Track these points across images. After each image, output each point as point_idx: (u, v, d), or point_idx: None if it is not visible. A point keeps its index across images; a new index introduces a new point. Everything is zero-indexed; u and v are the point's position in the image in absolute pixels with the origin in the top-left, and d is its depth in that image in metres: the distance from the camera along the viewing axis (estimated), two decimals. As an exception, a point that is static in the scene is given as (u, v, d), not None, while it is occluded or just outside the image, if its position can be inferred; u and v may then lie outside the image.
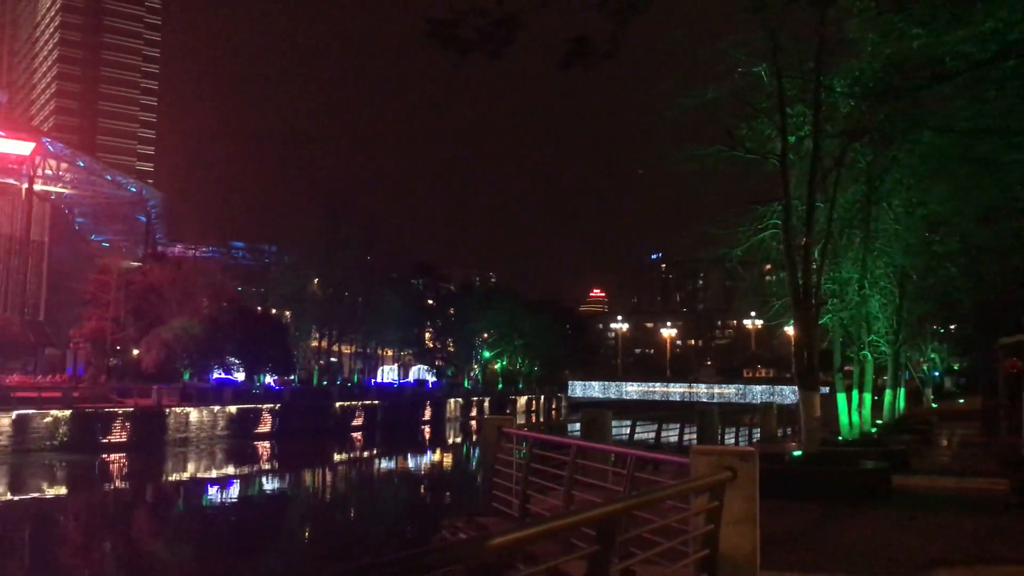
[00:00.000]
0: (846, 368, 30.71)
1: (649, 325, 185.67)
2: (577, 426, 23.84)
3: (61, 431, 48.50)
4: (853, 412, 28.15)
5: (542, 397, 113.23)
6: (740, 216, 23.49)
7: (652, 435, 24.43)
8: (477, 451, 66.98)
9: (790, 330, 25.99)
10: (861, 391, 29.84)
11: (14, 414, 46.43)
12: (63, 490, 41.08)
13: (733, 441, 28.34)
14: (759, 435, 30.56)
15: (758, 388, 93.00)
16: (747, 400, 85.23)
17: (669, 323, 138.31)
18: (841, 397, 27.93)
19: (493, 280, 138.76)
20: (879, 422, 34.00)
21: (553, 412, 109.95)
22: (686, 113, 21.46)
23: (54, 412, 48.59)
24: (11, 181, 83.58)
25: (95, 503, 38.43)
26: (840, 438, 26.14)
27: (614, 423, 19.83)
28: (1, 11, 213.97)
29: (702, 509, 7.74)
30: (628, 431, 23.82)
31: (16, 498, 37.46)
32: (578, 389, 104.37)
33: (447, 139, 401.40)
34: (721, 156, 21.41)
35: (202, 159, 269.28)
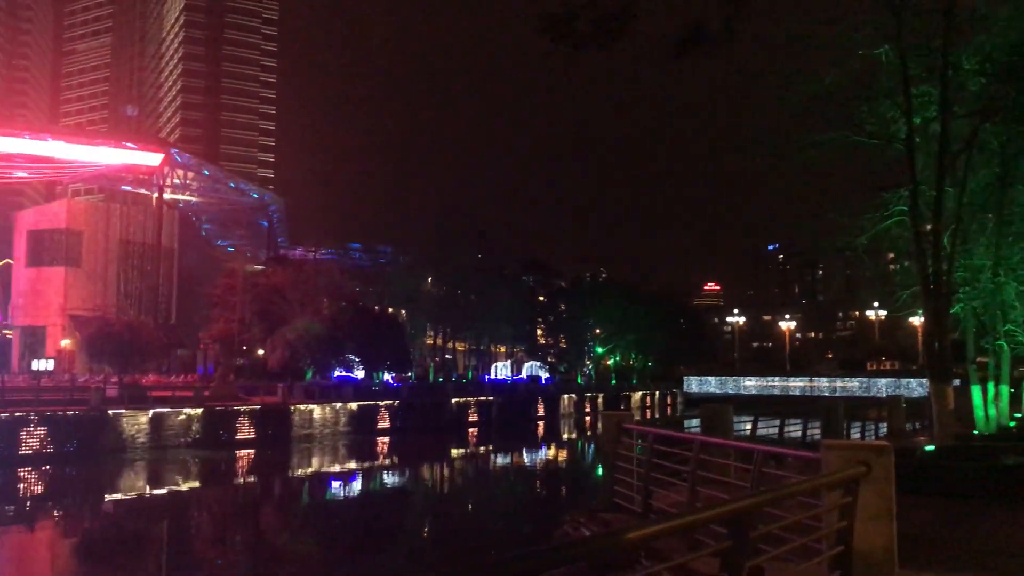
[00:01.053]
0: (979, 360, 29.20)
1: (767, 318, 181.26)
2: (695, 422, 23.47)
3: (194, 428, 50.79)
4: (989, 405, 26.78)
5: (657, 393, 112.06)
6: (863, 204, 22.68)
7: (774, 430, 23.85)
8: (592, 447, 66.81)
9: (917, 321, 25.00)
10: (997, 383, 28.34)
11: (151, 412, 48.90)
12: (197, 484, 42.99)
13: (859, 436, 27.39)
14: (886, 430, 29.42)
15: (883, 381, 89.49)
16: (871, 394, 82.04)
17: (788, 315, 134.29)
18: (976, 390, 26.59)
19: (604, 275, 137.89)
20: (1017, 415, 32.22)
21: (668, 408, 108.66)
22: (802, 100, 20.86)
23: (187, 410, 50.92)
24: (143, 191, 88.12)
25: (228, 497, 40.07)
26: (975, 432, 24.91)
27: (734, 418, 19.47)
28: (130, 31, 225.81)
29: (834, 505, 7.52)
30: (749, 426, 23.33)
31: (154, 492, 39.49)
32: (694, 384, 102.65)
33: (557, 136, 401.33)
34: (842, 143, 20.70)
35: (319, 164, 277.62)
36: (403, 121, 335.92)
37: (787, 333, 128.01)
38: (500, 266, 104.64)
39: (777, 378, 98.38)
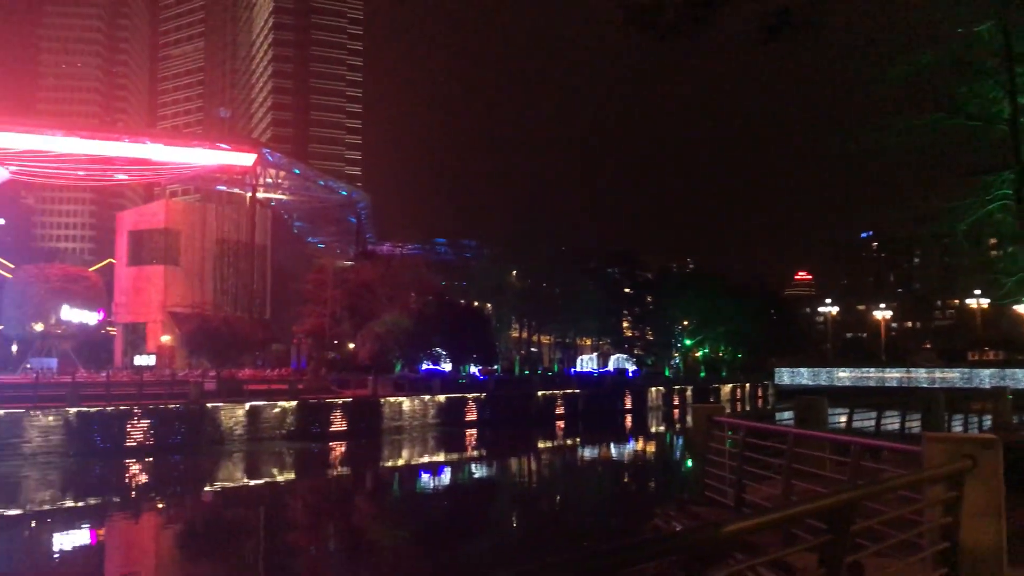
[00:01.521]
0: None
1: (861, 307, 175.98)
2: (787, 414, 23.00)
3: (288, 421, 52.14)
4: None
5: (747, 385, 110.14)
6: (962, 188, 21.80)
7: (871, 423, 23.17)
8: (681, 440, 66.10)
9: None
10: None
11: (247, 405, 50.38)
12: (292, 475, 44.12)
13: (961, 429, 26.38)
14: (991, 423, 28.25)
15: (986, 372, 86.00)
16: (974, 385, 78.98)
17: (883, 305, 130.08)
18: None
19: (691, 266, 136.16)
20: None
21: (759, 400, 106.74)
22: (898, 82, 20.14)
23: (282, 403, 52.30)
24: (237, 191, 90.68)
25: (323, 488, 41.01)
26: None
27: (828, 411, 19.02)
28: (222, 35, 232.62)
29: (938, 500, 7.27)
30: (844, 419, 22.73)
31: (253, 483, 40.70)
32: (785, 376, 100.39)
33: (641, 126, 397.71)
34: (940, 125, 19.93)
35: (405, 160, 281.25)
36: (487, 115, 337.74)
37: (882, 323, 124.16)
38: (585, 258, 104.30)
39: (872, 369, 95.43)
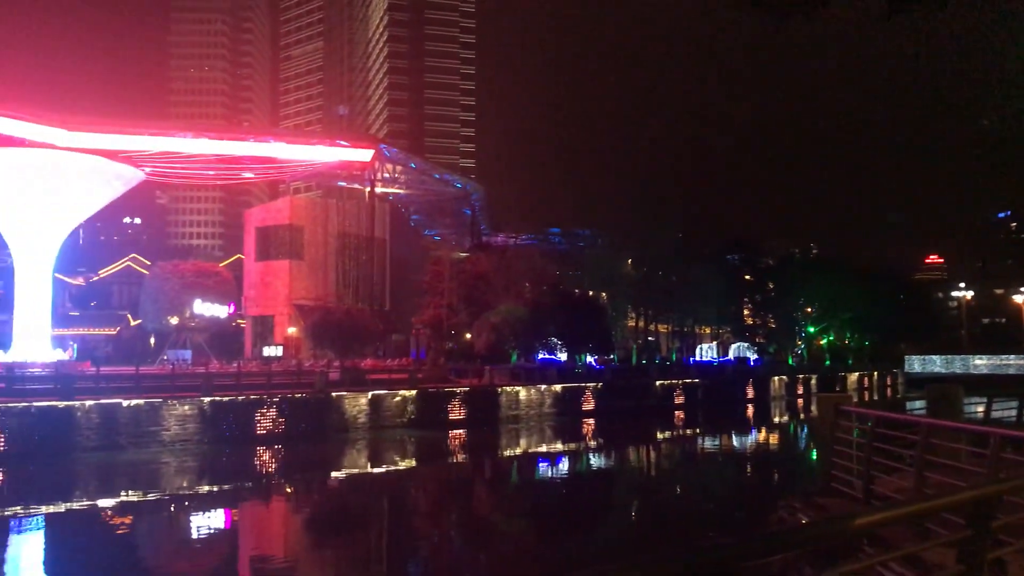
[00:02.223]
0: None
1: (998, 291, 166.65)
2: (918, 403, 21.99)
3: (409, 409, 53.21)
4: None
5: (875, 373, 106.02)
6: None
7: (1012, 413, 21.87)
8: (805, 430, 64.22)
9: None
10: None
11: (370, 394, 51.69)
12: (414, 463, 45.02)
13: (1113, 419, 24.59)
14: None
15: None
16: None
17: (1023, 288, 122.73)
18: None
19: (814, 251, 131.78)
20: None
21: (888, 389, 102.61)
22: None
23: (402, 392, 53.42)
24: (356, 186, 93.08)
25: (444, 475, 41.70)
26: None
27: (964, 400, 18.06)
28: (339, 35, 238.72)
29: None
30: (981, 408, 21.54)
31: (377, 470, 41.74)
32: (916, 364, 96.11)
33: (760, 109, 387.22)
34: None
35: (518, 152, 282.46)
36: (600, 104, 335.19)
37: (1023, 308, 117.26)
38: (702, 245, 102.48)
39: (1013, 356, 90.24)
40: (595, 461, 47.75)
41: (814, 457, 41.17)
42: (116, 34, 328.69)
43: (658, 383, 74.35)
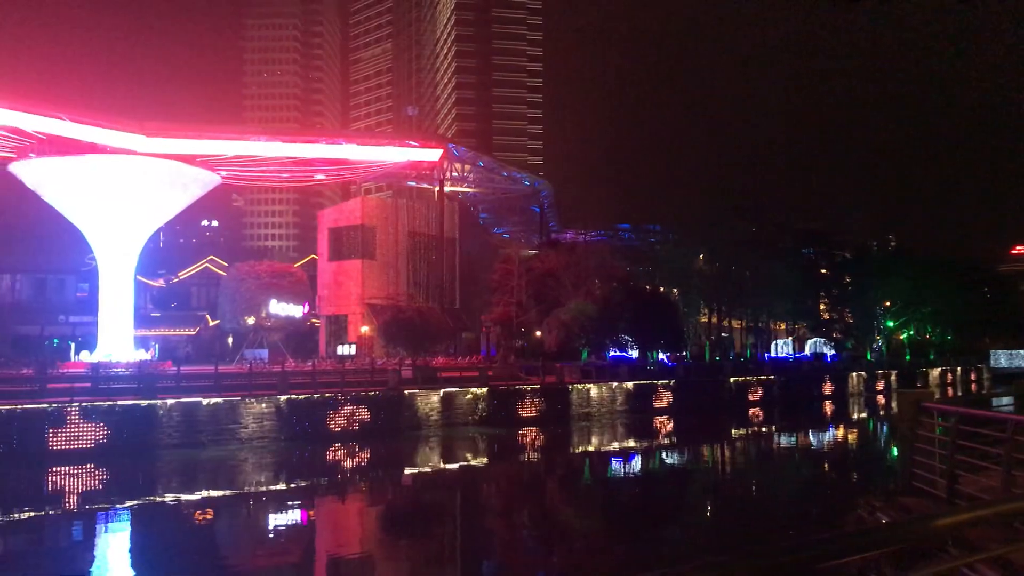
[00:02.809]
0: None
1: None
2: (1005, 399, 21.24)
3: (480, 407, 53.44)
4: None
5: (958, 368, 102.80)
6: None
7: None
8: (885, 427, 62.62)
9: None
10: None
11: (441, 392, 52.06)
12: (486, 460, 45.15)
13: None
14: None
15: None
16: None
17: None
18: None
19: (893, 244, 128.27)
20: None
21: (972, 385, 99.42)
22: None
23: (473, 390, 53.67)
24: (425, 185, 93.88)
25: (516, 472, 41.74)
26: None
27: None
28: (407, 36, 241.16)
29: None
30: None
31: (450, 467, 41.99)
32: (1002, 358, 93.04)
33: (833, 99, 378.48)
34: None
35: (587, 147, 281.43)
36: (671, 97, 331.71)
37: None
38: (776, 239, 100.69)
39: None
40: (669, 459, 47.25)
41: (895, 455, 40.02)
42: (192, 42, 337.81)
43: (732, 380, 73.33)
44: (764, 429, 62.84)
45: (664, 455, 48.46)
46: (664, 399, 65.74)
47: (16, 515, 29.35)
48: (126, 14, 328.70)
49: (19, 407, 37.75)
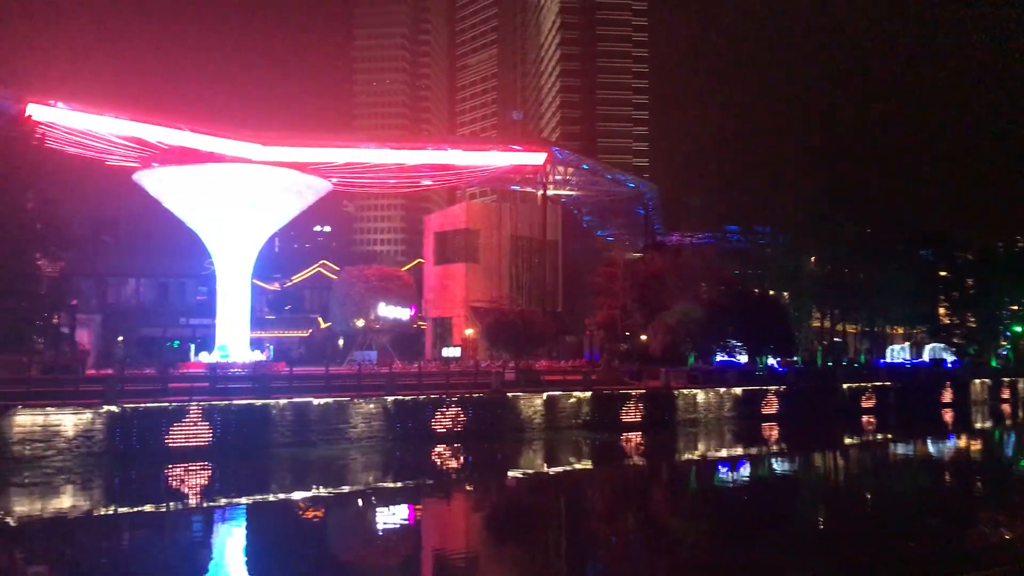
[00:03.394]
0: None
1: None
2: None
3: (583, 411, 53.20)
4: None
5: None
6: None
7: None
8: (1013, 437, 59.57)
9: None
10: None
11: (544, 395, 52.07)
12: (589, 464, 44.91)
13: None
14: None
15: None
16: None
17: None
18: None
19: (1021, 244, 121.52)
20: None
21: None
22: None
23: (576, 393, 53.46)
24: (529, 189, 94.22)
25: (620, 477, 41.40)
26: None
27: None
28: (512, 41, 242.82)
29: None
30: None
31: (553, 470, 41.93)
32: None
33: (950, 98, 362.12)
34: None
35: (693, 149, 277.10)
36: (780, 96, 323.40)
37: None
38: (891, 241, 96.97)
39: None
40: (778, 466, 45.99)
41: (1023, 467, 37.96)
42: (304, 55, 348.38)
43: (845, 386, 71.03)
44: (880, 437, 60.55)
45: (773, 463, 47.19)
46: (773, 405, 64.15)
47: (142, 509, 30.80)
48: (240, 30, 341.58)
49: (142, 405, 39.57)
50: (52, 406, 37.40)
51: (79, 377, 46.25)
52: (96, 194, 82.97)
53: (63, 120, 66.61)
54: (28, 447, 36.26)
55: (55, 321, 58.06)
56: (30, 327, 52.92)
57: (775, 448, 53.32)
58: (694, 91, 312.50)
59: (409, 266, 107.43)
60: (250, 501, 32.13)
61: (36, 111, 63.24)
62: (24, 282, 50.96)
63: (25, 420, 36.39)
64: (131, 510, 30.47)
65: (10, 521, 27.77)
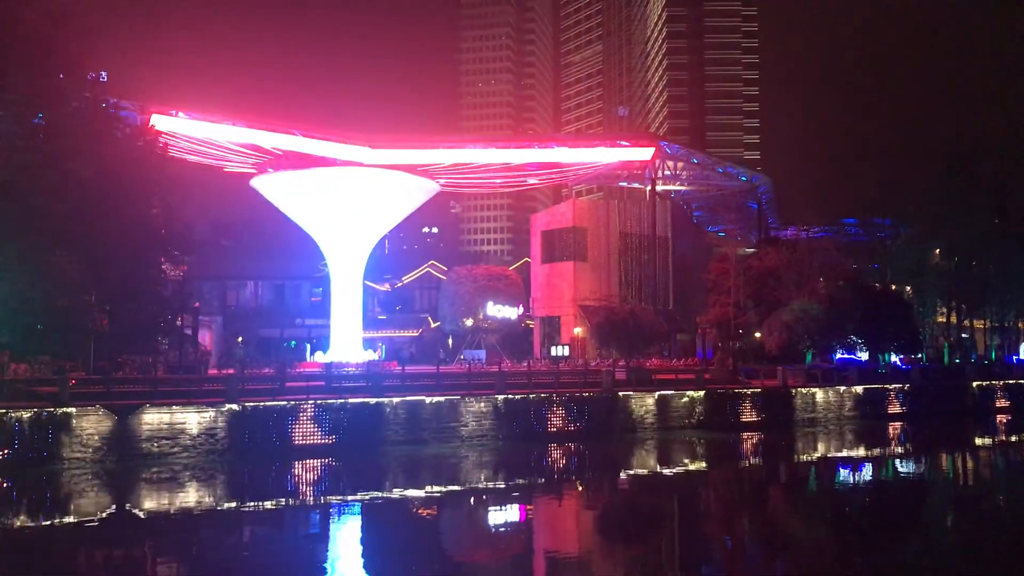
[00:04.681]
0: None
1: None
2: None
3: (697, 411, 52.06)
4: None
5: None
6: None
7: None
8: None
9: None
10: None
11: (656, 394, 51.17)
12: (704, 465, 43.85)
13: None
14: None
15: None
16: None
17: None
18: None
19: None
20: None
21: None
22: None
23: (689, 393, 52.36)
24: (636, 185, 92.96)
25: (737, 478, 40.29)
26: None
27: None
28: (617, 37, 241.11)
29: None
30: None
31: (667, 471, 41.10)
32: None
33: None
34: None
35: (807, 139, 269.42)
36: (897, 82, 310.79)
37: None
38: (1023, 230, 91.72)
39: None
40: (904, 469, 43.93)
41: None
42: (410, 58, 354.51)
43: (975, 384, 67.58)
44: (1014, 438, 57.24)
45: (899, 465, 45.12)
46: (897, 405, 61.61)
47: (263, 504, 31.58)
48: (348, 34, 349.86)
49: (261, 404, 40.66)
50: (177, 404, 38.78)
51: (202, 377, 47.98)
52: (215, 200, 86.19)
53: (184, 129, 69.29)
54: (156, 444, 37.69)
55: (179, 323, 60.33)
56: (156, 329, 55.11)
57: (900, 449, 51.14)
58: (808, 79, 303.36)
59: (516, 265, 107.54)
60: (366, 498, 32.57)
61: (159, 121, 65.96)
62: (150, 286, 53.14)
63: (152, 418, 37.84)
64: (253, 506, 31.25)
65: (140, 514, 28.85)
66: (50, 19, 40.29)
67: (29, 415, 35.43)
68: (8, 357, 41.48)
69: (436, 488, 34.82)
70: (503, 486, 36.05)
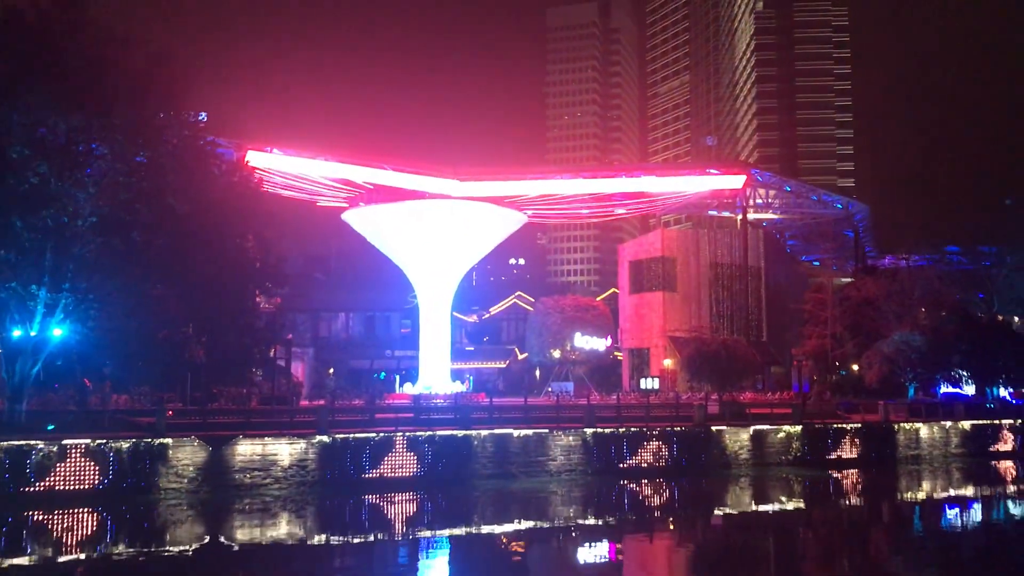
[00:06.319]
0: None
1: None
2: None
3: (794, 446, 50.30)
4: None
5: None
6: None
7: None
8: None
9: None
10: None
11: (751, 429, 49.62)
12: (802, 504, 42.18)
13: None
14: None
15: None
16: None
17: None
18: None
19: None
20: None
21: None
22: None
23: (786, 428, 50.65)
24: (727, 214, 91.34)
25: (837, 519, 38.63)
26: None
27: None
28: (705, 67, 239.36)
29: None
30: None
31: (763, 509, 39.65)
32: None
33: None
34: None
35: (904, 165, 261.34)
36: (1003, 104, 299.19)
37: None
38: None
39: None
40: (1017, 510, 41.39)
41: None
42: (498, 92, 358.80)
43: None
44: None
45: (1011, 506, 42.55)
46: (1008, 441, 58.54)
47: (352, 537, 31.55)
48: (436, 68, 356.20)
49: (351, 435, 40.87)
50: (270, 436, 39.27)
51: (294, 408, 48.64)
52: (309, 233, 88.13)
53: (278, 165, 71.15)
54: (248, 475, 38.19)
55: (272, 354, 61.46)
56: (250, 360, 56.22)
57: (1012, 489, 48.29)
58: (903, 102, 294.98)
59: (604, 296, 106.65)
60: (455, 533, 32.23)
61: (254, 157, 67.88)
62: (245, 318, 54.30)
63: (246, 449, 38.40)
64: (342, 538, 31.24)
65: (233, 546, 29.12)
66: (153, 60, 41.72)
67: (128, 445, 36.35)
68: (110, 388, 42.77)
69: (525, 524, 34.23)
70: (592, 523, 35.24)
